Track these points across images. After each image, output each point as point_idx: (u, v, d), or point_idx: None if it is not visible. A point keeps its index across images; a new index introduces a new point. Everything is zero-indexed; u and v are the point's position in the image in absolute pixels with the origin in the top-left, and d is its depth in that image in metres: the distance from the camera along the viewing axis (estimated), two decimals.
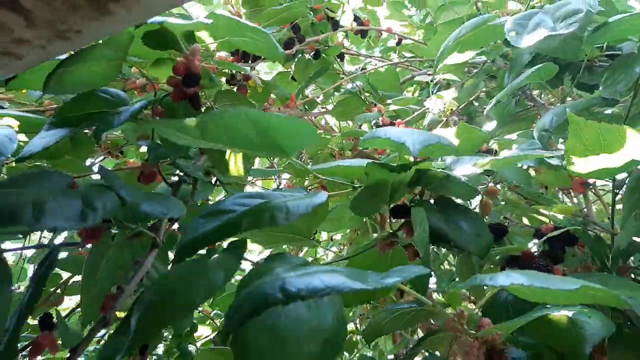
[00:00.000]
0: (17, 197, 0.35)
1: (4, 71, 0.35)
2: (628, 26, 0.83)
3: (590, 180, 0.85)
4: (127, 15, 0.33)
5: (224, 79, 0.69)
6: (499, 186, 0.88)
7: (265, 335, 0.29)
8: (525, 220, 0.89)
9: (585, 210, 0.90)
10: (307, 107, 1.45)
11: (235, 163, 0.65)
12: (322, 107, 1.60)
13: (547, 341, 0.42)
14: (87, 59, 0.47)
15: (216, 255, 0.40)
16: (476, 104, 1.28)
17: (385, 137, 0.58)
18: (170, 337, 1.32)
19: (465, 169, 0.62)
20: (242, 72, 0.65)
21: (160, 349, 1.41)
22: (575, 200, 0.99)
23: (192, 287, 0.32)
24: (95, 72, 0.51)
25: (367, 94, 1.36)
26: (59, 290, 1.00)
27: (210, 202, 1.12)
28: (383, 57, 1.64)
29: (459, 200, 0.69)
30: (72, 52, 0.50)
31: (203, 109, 0.62)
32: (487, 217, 0.78)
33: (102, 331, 0.48)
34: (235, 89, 0.69)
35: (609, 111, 0.99)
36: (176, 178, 0.71)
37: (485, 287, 0.60)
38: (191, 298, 0.32)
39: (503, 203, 0.84)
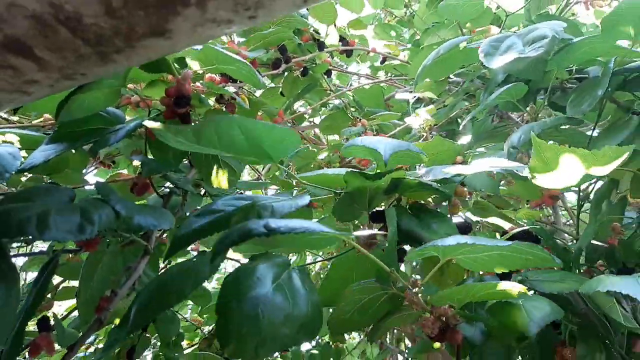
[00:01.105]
0: (24, 212, 0.40)
1: (12, 105, 0.40)
2: (588, 49, 0.89)
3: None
4: (127, 62, 0.38)
5: (213, 98, 0.74)
6: (474, 194, 0.93)
7: (246, 320, 0.33)
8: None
9: (553, 220, 0.96)
10: (295, 122, 1.51)
11: (216, 177, 0.70)
12: (310, 122, 1.65)
13: (501, 320, 0.48)
14: (92, 88, 0.52)
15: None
16: (458, 121, 1.34)
17: (361, 145, 0.64)
18: (158, 344, 1.35)
19: (436, 175, 0.68)
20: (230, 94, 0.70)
21: (148, 357, 1.44)
22: (547, 212, 1.04)
23: (182, 279, 0.37)
24: (99, 99, 0.56)
25: (352, 110, 1.41)
26: (49, 295, 1.03)
27: None
28: (369, 75, 1.70)
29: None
30: None
31: None
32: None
33: (92, 337, 0.52)
34: (223, 107, 0.74)
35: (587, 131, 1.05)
36: (167, 190, 0.76)
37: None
38: (182, 288, 0.37)
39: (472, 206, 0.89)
